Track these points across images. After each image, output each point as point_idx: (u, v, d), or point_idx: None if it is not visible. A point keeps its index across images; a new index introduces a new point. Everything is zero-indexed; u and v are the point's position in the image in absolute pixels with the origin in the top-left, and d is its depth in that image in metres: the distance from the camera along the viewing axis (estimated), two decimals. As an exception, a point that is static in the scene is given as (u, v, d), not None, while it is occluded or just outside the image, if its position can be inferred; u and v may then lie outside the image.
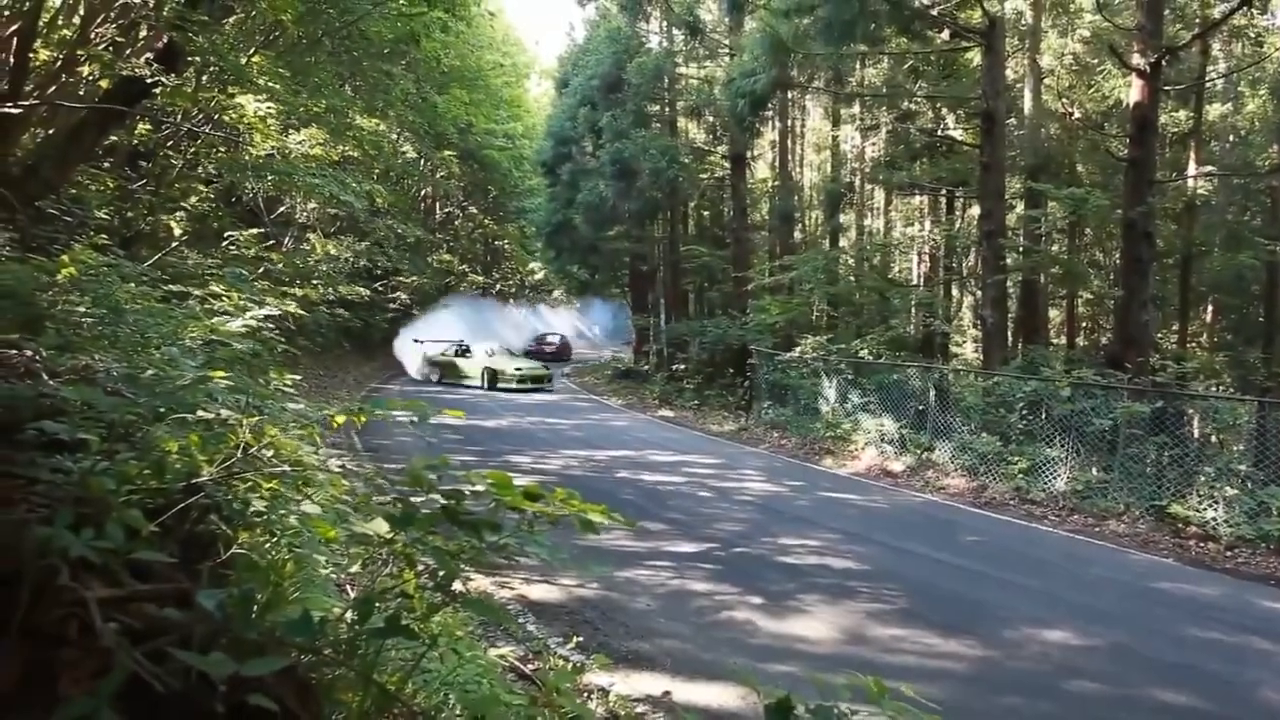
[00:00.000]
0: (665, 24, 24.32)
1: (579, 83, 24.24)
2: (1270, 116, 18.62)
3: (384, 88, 15.69)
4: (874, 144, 23.98)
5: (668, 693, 4.37)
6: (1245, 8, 14.37)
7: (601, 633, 5.22)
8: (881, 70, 21.58)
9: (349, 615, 1.67)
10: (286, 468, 2.38)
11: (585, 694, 4.20)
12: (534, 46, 41.07)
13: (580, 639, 4.92)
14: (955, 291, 23.18)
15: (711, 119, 24.97)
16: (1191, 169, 18.37)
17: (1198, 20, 17.08)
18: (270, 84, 9.79)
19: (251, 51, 10.55)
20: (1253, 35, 18.64)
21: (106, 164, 10.83)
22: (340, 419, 2.37)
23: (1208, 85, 18.65)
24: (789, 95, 22.54)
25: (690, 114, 25.76)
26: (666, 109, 25.13)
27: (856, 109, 23.35)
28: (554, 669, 4.34)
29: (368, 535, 1.76)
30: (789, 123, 25.17)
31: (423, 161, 28.49)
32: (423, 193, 32.47)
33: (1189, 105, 18.89)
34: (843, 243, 24.36)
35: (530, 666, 4.43)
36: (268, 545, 2.56)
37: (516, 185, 32.49)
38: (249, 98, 9.59)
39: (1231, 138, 20.61)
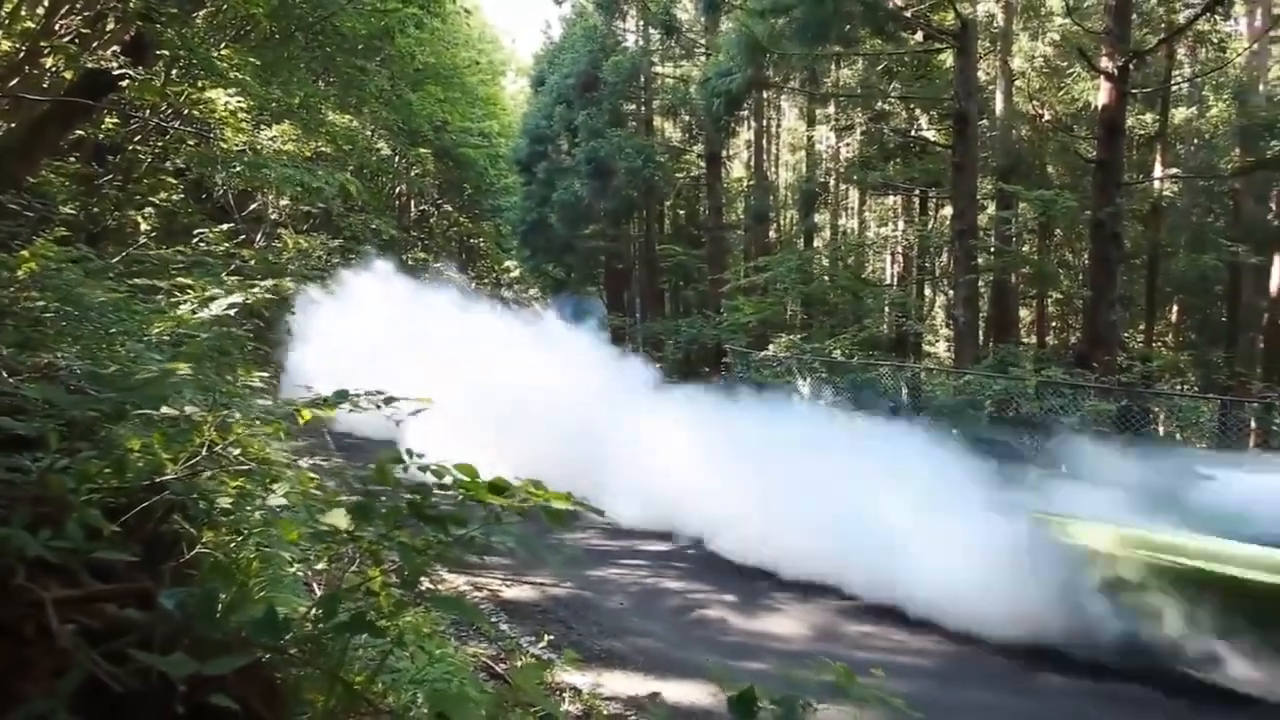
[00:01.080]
0: (641, 23, 24.27)
1: (555, 81, 24.13)
2: (1233, 120, 18.97)
3: (358, 83, 15.52)
4: (848, 144, 24.13)
5: (656, 693, 4.37)
6: (1209, 14, 14.65)
7: (575, 631, 5.23)
8: (856, 71, 21.70)
9: (314, 613, 1.66)
10: (253, 465, 2.35)
11: (558, 692, 4.20)
12: (510, 44, 40.71)
13: (552, 637, 4.92)
14: (928, 291, 23.40)
15: (687, 118, 24.95)
16: (1158, 171, 18.67)
17: (1163, 26, 17.37)
18: (241, 77, 9.66)
19: (222, 45, 10.41)
20: (1216, 41, 19.01)
21: (73, 158, 10.63)
22: (308, 414, 2.34)
23: (1173, 89, 18.98)
24: (764, 95, 22.59)
25: (666, 113, 25.74)
26: (642, 108, 25.09)
27: (831, 109, 23.46)
28: (524, 666, 4.33)
29: (331, 531, 1.75)
30: (764, 122, 25.23)
31: (397, 158, 28.22)
32: (397, 190, 32.17)
33: (1155, 109, 19.20)
34: (817, 242, 24.45)
35: (502, 666, 4.43)
36: (233, 544, 2.53)
37: (492, 183, 32.23)
38: (220, 91, 9.45)
39: (1196, 141, 20.96)
